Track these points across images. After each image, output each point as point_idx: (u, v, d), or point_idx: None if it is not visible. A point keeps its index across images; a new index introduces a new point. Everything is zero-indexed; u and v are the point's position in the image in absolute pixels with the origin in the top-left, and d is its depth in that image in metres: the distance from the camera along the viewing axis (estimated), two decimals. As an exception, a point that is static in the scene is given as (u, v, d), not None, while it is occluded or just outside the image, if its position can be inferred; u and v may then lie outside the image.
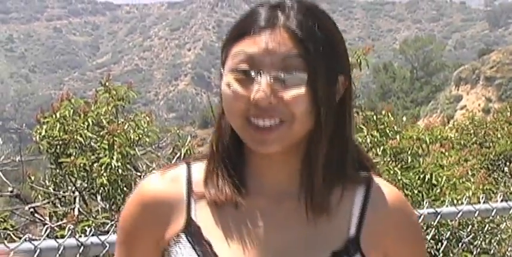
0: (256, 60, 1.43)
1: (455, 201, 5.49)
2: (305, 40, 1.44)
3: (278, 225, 1.52)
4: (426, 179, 6.32)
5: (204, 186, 1.55)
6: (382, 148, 6.66)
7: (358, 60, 6.65)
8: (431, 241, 5.33)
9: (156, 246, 1.56)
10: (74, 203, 6.06)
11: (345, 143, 1.54)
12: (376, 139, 6.67)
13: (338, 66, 1.50)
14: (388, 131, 6.76)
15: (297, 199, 1.53)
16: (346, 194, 1.55)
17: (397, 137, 6.73)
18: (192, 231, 1.52)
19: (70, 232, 2.56)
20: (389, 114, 6.92)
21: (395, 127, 6.86)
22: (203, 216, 1.53)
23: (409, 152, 6.72)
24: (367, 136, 6.63)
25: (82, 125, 6.19)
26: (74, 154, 6.18)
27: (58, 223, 5.53)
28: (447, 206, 3.84)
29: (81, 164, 5.98)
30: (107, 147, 5.97)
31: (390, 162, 6.64)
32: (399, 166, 6.57)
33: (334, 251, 1.51)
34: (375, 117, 6.79)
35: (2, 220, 5.46)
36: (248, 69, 1.44)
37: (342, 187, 1.54)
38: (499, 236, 6.11)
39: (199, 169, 1.58)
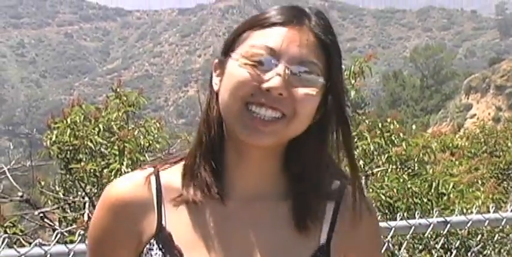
0: (277, 52, 1.44)
1: (464, 210, 5.48)
2: (329, 48, 1.47)
3: (250, 231, 1.51)
4: (434, 186, 6.30)
5: (182, 185, 1.52)
6: (387, 155, 6.64)
7: (361, 68, 6.63)
8: (440, 249, 5.32)
9: (133, 254, 1.53)
10: (84, 208, 6.06)
11: (326, 151, 1.55)
12: (381, 147, 6.64)
13: (343, 81, 1.53)
14: (394, 139, 6.73)
15: (271, 204, 1.53)
16: (320, 206, 1.55)
17: (403, 144, 6.69)
18: (163, 238, 1.50)
19: (80, 237, 2.57)
20: (395, 121, 6.89)
21: (401, 134, 6.83)
22: (174, 222, 1.51)
23: (415, 160, 6.69)
24: (371, 144, 6.59)
25: (92, 130, 6.20)
26: (84, 159, 6.19)
27: (68, 228, 5.53)
28: (457, 215, 3.83)
29: (91, 170, 5.98)
30: (117, 153, 5.98)
31: (398, 170, 6.62)
32: (406, 173, 6.55)
33: None
34: (380, 124, 6.76)
35: (12, 224, 5.47)
36: (267, 57, 1.43)
37: (319, 194, 1.55)
38: (508, 245, 6.08)
39: (168, 174, 1.56)
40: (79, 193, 6.28)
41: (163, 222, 1.51)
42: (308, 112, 1.46)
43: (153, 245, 1.50)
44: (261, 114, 1.43)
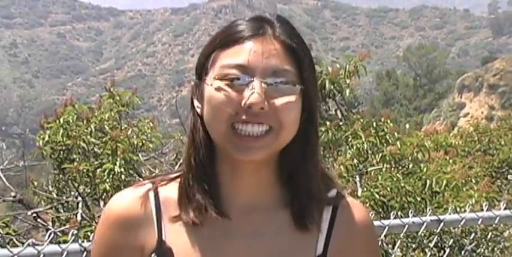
0: (248, 67, 1.43)
1: (458, 209, 5.48)
2: (298, 52, 1.47)
3: (249, 243, 1.52)
4: (428, 185, 6.29)
5: (180, 207, 1.53)
6: (381, 154, 6.64)
7: (355, 67, 6.62)
8: (434, 248, 5.32)
9: None
10: (77, 208, 6.05)
11: (316, 157, 1.56)
12: (375, 146, 6.64)
13: (316, 82, 1.54)
14: (388, 137, 6.73)
15: (268, 214, 1.54)
16: (316, 211, 1.56)
17: (397, 143, 6.69)
18: (164, 253, 1.51)
19: (73, 237, 2.55)
20: (389, 120, 6.89)
21: (395, 133, 6.82)
22: (174, 237, 1.52)
23: (409, 158, 6.69)
24: (365, 143, 6.59)
25: (85, 130, 6.19)
26: (77, 159, 6.18)
27: (61, 228, 5.52)
28: (450, 213, 3.83)
29: (84, 170, 5.97)
30: (110, 153, 5.97)
31: (392, 169, 6.62)
32: (400, 172, 6.55)
33: None
34: (374, 123, 6.76)
35: (5, 225, 5.45)
36: (240, 75, 1.43)
37: (312, 203, 1.55)
38: (502, 244, 6.09)
39: (167, 190, 1.57)
40: (72, 193, 6.28)
41: (163, 237, 1.53)
42: (293, 119, 1.46)
43: None
44: (249, 131, 1.43)
